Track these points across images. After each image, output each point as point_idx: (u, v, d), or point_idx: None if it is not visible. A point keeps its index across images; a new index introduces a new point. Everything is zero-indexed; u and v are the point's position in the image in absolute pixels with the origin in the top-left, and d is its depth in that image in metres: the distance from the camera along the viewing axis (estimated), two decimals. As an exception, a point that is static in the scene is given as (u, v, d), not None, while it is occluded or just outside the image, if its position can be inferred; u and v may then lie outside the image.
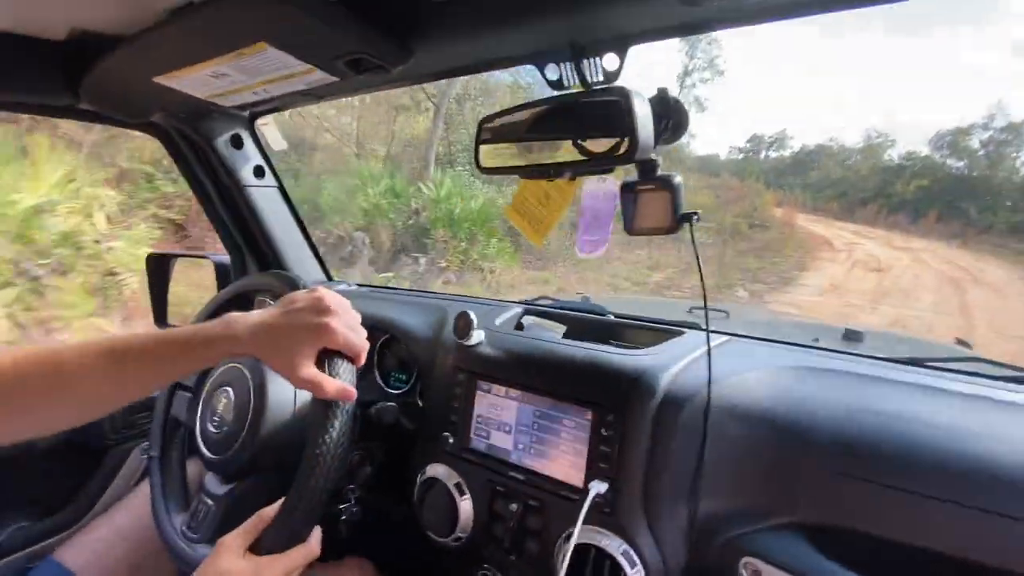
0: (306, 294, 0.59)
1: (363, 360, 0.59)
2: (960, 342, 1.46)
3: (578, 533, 0.58)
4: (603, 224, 0.79)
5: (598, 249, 0.80)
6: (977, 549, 0.49)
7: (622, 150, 0.59)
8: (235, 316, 0.57)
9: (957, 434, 0.54)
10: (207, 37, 0.67)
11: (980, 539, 0.49)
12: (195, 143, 1.12)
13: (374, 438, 0.85)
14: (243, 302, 0.90)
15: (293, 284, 0.79)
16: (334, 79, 0.76)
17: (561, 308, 1.01)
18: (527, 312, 0.96)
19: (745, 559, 0.56)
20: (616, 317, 0.93)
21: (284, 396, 0.80)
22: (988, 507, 0.48)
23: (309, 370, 0.54)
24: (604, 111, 0.61)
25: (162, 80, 0.80)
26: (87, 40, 0.78)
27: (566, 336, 0.90)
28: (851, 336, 1.17)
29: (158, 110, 0.97)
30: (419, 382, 0.91)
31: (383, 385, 1.02)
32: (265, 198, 1.24)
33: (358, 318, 0.60)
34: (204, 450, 0.82)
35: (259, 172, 1.21)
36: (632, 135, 0.58)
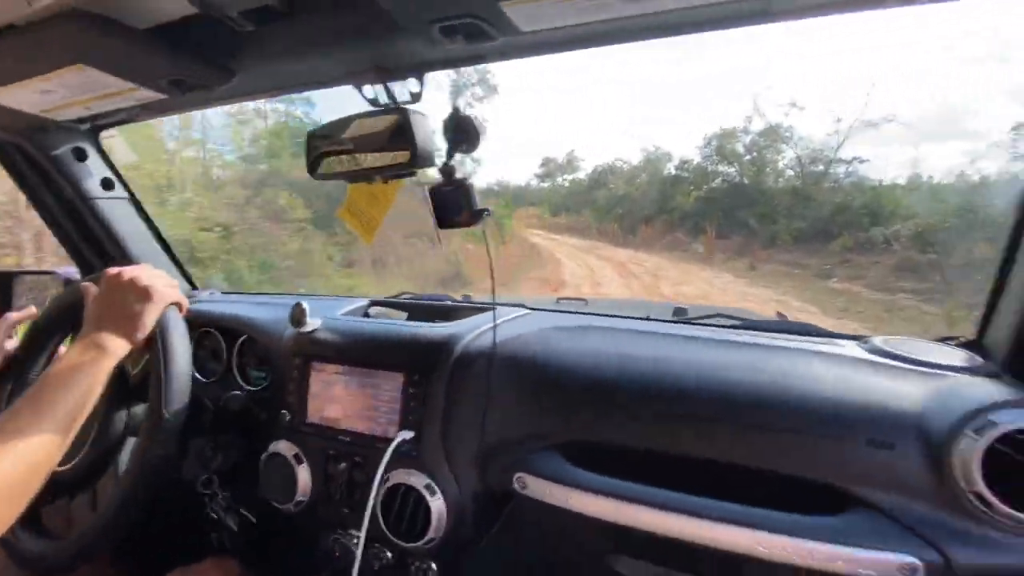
0: (106, 283, 0.74)
1: (185, 305, 0.80)
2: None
3: (381, 474, 0.70)
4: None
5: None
6: (680, 446, 0.67)
7: (408, 159, 0.73)
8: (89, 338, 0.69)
9: (679, 367, 0.71)
10: (26, 57, 0.72)
11: (681, 439, 0.67)
12: (32, 157, 1.11)
13: (226, 430, 0.91)
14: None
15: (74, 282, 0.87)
16: (162, 96, 0.83)
17: (410, 299, 1.13)
18: (373, 304, 1.07)
19: (517, 474, 0.71)
20: (453, 302, 1.07)
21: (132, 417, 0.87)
22: (702, 416, 0.66)
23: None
24: (392, 126, 0.74)
25: (-16, 95, 0.83)
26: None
27: (408, 320, 1.02)
28: (678, 313, 1.40)
29: (-18, 123, 0.97)
30: (272, 374, 0.99)
31: (243, 383, 1.08)
32: (116, 210, 1.25)
33: (163, 277, 0.78)
34: None
35: (107, 184, 1.22)
36: (413, 147, 0.72)
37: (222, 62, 0.79)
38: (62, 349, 0.89)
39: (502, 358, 0.76)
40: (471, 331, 0.81)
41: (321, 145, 0.85)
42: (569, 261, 10.77)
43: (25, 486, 0.58)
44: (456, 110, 0.83)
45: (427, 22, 0.61)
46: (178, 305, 0.80)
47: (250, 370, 1.08)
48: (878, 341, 0.75)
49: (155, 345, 0.76)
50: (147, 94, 0.82)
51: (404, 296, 1.19)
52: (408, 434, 0.74)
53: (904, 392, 0.62)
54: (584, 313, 1.01)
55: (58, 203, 1.19)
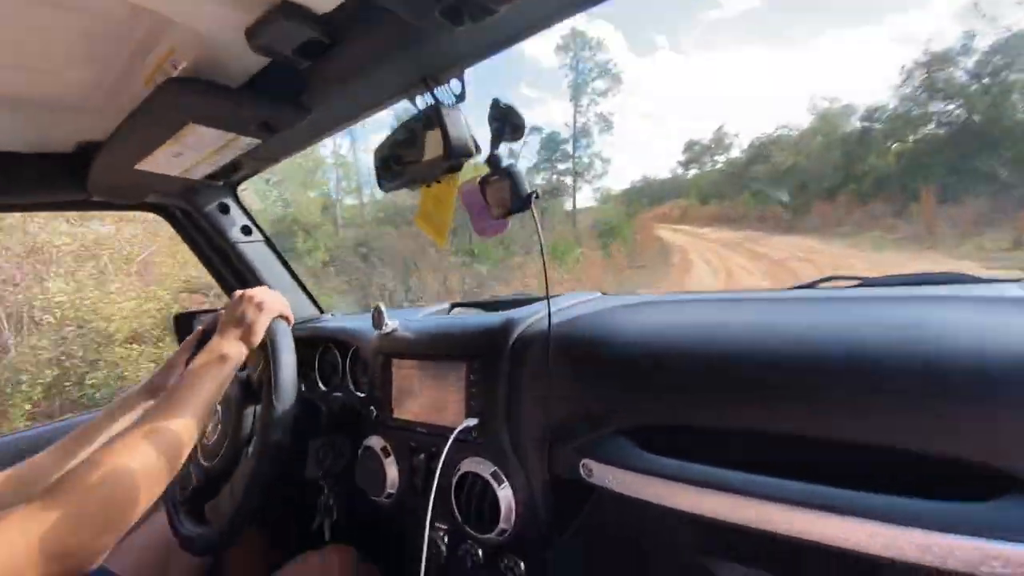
0: (231, 300, 0.87)
1: (291, 317, 0.91)
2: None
3: (441, 463, 0.71)
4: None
5: (501, 229, 0.95)
6: (766, 422, 0.56)
7: (444, 152, 0.75)
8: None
9: (778, 329, 0.60)
10: (155, 125, 0.90)
11: (778, 414, 0.56)
12: (191, 215, 1.38)
13: (335, 431, 1.01)
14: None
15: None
16: (258, 141, 0.98)
17: (493, 299, 1.15)
18: (455, 306, 1.11)
19: (583, 461, 0.66)
20: (529, 297, 1.06)
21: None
22: (794, 389, 0.55)
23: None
24: (426, 125, 0.77)
25: (141, 166, 1.05)
26: (88, 147, 1.05)
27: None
28: None
29: (151, 192, 1.23)
30: (348, 375, 1.08)
31: (355, 389, 1.18)
32: (255, 252, 1.48)
33: (275, 295, 0.92)
34: (201, 459, 1.01)
35: (246, 231, 1.45)
36: (446, 140, 0.74)
37: (296, 100, 0.90)
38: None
39: (560, 338, 0.73)
40: (530, 315, 0.79)
41: (381, 158, 0.92)
42: (703, 263, 9.36)
43: (163, 471, 0.69)
44: (496, 101, 0.83)
45: (435, 14, 0.63)
46: (284, 318, 0.92)
47: (360, 376, 1.18)
48: None
49: (267, 350, 0.88)
50: (247, 141, 0.97)
51: (487, 297, 1.22)
52: (471, 422, 0.74)
53: (1076, 333, 0.46)
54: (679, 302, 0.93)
55: (211, 249, 1.45)
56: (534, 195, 0.80)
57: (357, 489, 1.04)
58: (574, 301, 0.87)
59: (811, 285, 0.84)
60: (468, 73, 0.86)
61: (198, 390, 0.76)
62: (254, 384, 1.02)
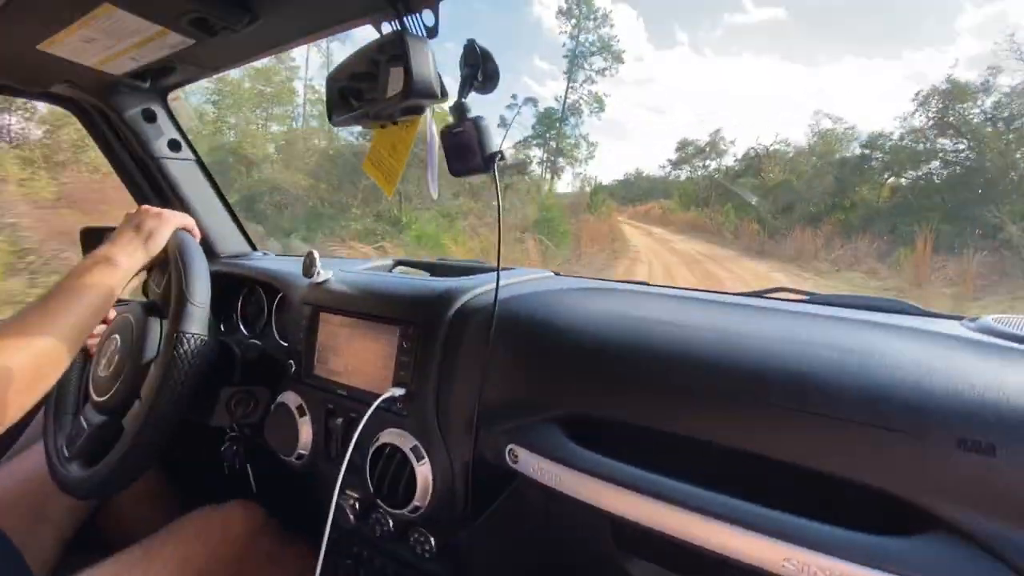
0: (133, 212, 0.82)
1: (197, 233, 0.86)
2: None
3: (359, 431, 0.65)
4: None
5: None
6: (704, 430, 0.54)
7: (403, 88, 0.66)
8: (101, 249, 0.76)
9: (725, 336, 0.58)
10: (61, 3, 0.75)
11: (710, 422, 0.54)
12: (108, 116, 1.20)
13: (255, 381, 0.92)
14: None
15: None
16: (192, 42, 0.84)
17: (441, 262, 1.08)
18: (399, 263, 1.04)
19: (510, 446, 0.62)
20: (480, 264, 1.00)
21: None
22: (733, 398, 0.53)
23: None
24: (393, 56, 0.68)
25: (45, 48, 0.88)
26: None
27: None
28: None
29: (59, 80, 1.05)
30: (273, 322, 1.00)
31: (279, 338, 1.09)
32: (182, 171, 1.32)
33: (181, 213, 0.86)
34: (93, 394, 0.90)
35: (174, 146, 1.29)
36: (408, 74, 0.65)
37: (242, 1, 0.77)
38: None
39: (505, 315, 0.68)
40: (476, 286, 0.73)
41: (335, 87, 0.81)
42: (645, 267, 9.23)
43: (30, 386, 0.60)
44: (471, 43, 0.75)
45: None
46: (189, 231, 0.85)
47: (287, 326, 1.09)
48: (989, 320, 0.57)
49: (171, 249, 0.81)
50: (177, 39, 0.83)
51: (436, 260, 1.15)
52: (398, 391, 0.68)
53: (1016, 382, 0.45)
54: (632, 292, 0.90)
55: (132, 161, 1.28)
56: (498, 156, 0.73)
57: (265, 444, 0.97)
58: (524, 277, 0.82)
59: (761, 294, 0.83)
60: (444, 7, 0.77)
61: (79, 296, 0.67)
62: (157, 302, 0.91)
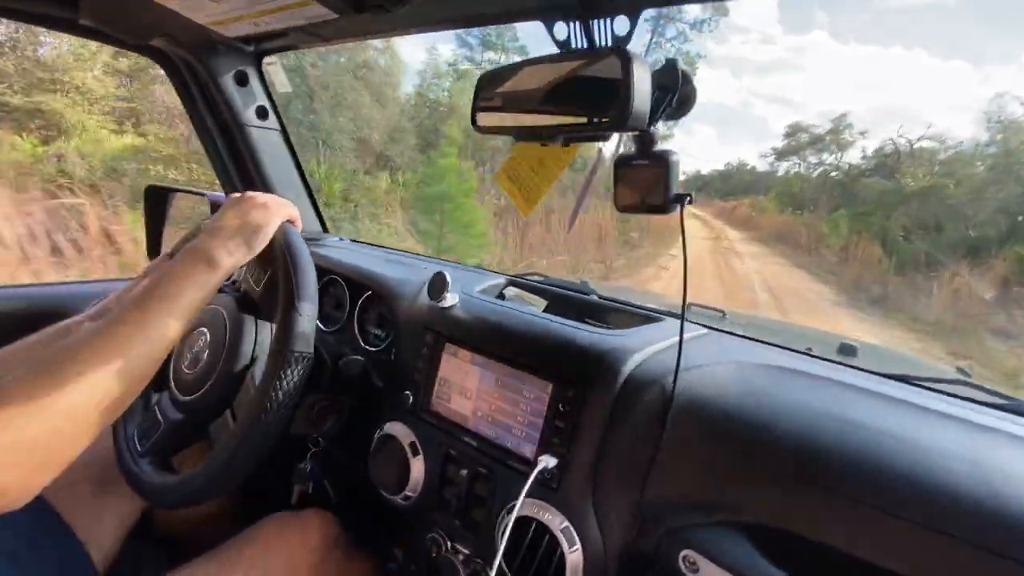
0: (228, 201, 0.71)
1: (300, 224, 0.77)
2: (960, 370, 1.41)
3: (520, 505, 0.57)
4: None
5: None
6: (932, 572, 0.46)
7: (613, 117, 0.56)
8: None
9: (931, 453, 0.51)
10: None
11: (938, 563, 0.46)
12: (199, 75, 1.10)
13: (343, 391, 0.84)
14: None
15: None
16: (334, 15, 0.73)
17: (547, 284, 0.99)
18: (511, 284, 0.94)
19: (685, 552, 0.54)
20: (600, 299, 0.91)
21: (262, 338, 0.80)
22: (953, 532, 0.46)
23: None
24: (600, 72, 0.57)
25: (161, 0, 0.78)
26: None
27: (545, 311, 0.88)
28: (845, 350, 1.14)
29: (160, 33, 0.95)
30: (395, 340, 0.90)
31: (361, 341, 1.01)
32: (266, 140, 1.22)
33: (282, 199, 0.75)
34: (175, 391, 0.82)
35: (262, 113, 1.19)
36: (626, 101, 0.54)
37: None
38: None
39: (687, 391, 0.59)
40: (647, 345, 0.64)
41: (492, 91, 0.71)
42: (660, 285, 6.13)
43: (118, 398, 0.53)
44: (672, 62, 0.64)
45: None
46: (291, 222, 0.76)
47: (370, 328, 1.01)
48: None
49: (276, 254, 0.71)
50: (318, 11, 0.73)
51: (536, 277, 1.05)
52: (551, 460, 0.60)
53: None
54: (754, 339, 0.80)
55: (216, 125, 1.18)
56: (687, 199, 0.63)
57: (348, 462, 0.89)
58: (696, 333, 0.72)
59: (935, 386, 0.73)
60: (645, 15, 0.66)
61: (174, 298, 0.58)
62: (255, 298, 0.82)
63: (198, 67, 1.07)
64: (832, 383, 0.63)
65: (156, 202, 1.34)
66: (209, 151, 1.24)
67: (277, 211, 0.73)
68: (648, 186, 0.66)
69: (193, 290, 0.60)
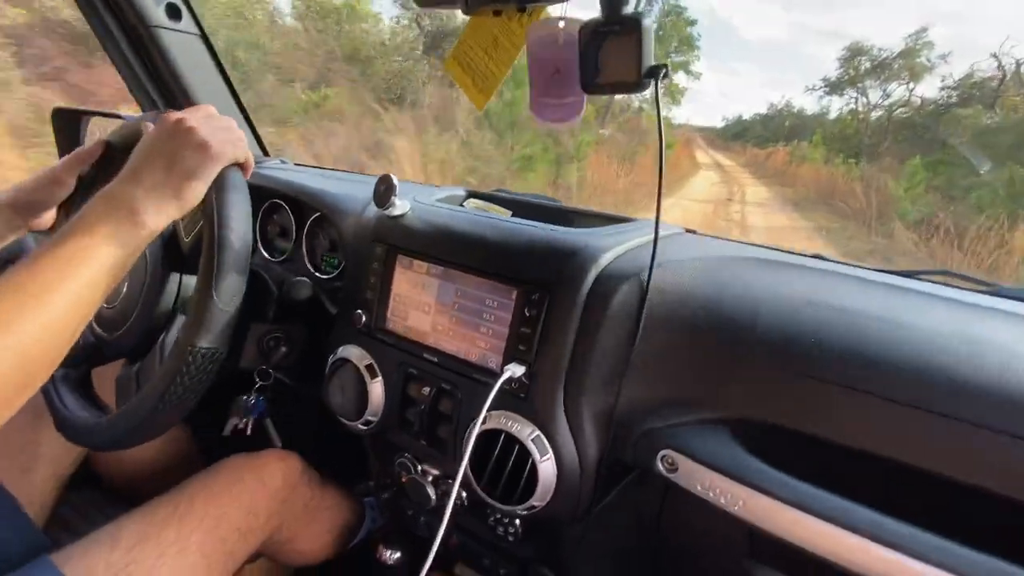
0: (160, 126, 0.54)
1: (251, 165, 0.62)
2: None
3: (484, 417, 0.52)
4: (571, 80, 0.67)
5: (572, 115, 0.67)
6: (933, 457, 0.44)
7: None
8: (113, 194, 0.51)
9: (922, 332, 0.48)
10: None
11: (938, 446, 0.44)
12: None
13: (293, 320, 0.77)
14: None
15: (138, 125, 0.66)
16: None
17: (512, 196, 0.91)
18: (471, 196, 0.86)
19: (664, 451, 0.51)
20: (572, 207, 0.84)
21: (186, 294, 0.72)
22: (956, 415, 0.42)
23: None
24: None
25: None
26: None
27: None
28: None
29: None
30: (303, 245, 0.83)
31: (312, 269, 0.92)
32: (183, 46, 1.06)
33: (227, 125, 0.58)
34: (96, 326, 0.74)
35: (173, 12, 1.02)
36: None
37: None
38: None
39: (661, 286, 0.53)
40: (620, 243, 0.58)
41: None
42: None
43: (17, 392, 0.44)
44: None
45: None
46: (241, 166, 0.60)
47: (321, 254, 0.92)
48: None
49: (209, 210, 0.57)
50: None
51: (504, 192, 0.97)
52: (518, 369, 0.55)
53: None
54: (730, 239, 0.75)
55: (120, 31, 1.01)
56: (662, 72, 0.55)
57: (301, 392, 0.83)
58: (671, 231, 0.67)
59: (915, 275, 0.70)
60: None
61: (93, 256, 0.47)
62: (184, 250, 0.73)
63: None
64: (812, 271, 0.59)
65: (67, 128, 1.17)
66: (115, 59, 1.07)
67: (219, 155, 0.56)
68: (621, 58, 0.57)
69: (113, 249, 0.48)
